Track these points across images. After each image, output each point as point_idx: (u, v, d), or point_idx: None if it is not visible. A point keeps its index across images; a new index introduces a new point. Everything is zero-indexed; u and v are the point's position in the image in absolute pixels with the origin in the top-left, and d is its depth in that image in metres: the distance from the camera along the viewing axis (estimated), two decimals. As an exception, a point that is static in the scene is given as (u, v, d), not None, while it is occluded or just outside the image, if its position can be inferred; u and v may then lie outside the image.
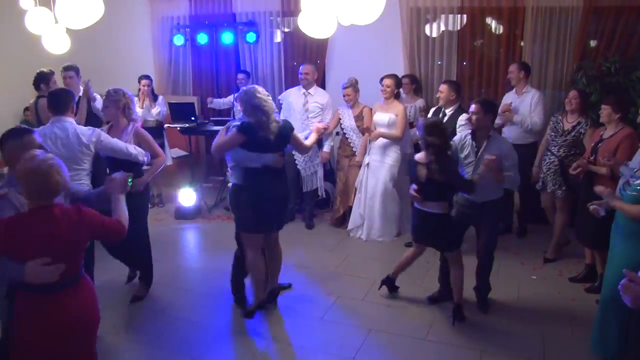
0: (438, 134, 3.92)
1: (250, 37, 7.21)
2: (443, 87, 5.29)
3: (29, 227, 2.42)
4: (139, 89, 6.97)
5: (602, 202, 3.58)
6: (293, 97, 6.24)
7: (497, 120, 5.67)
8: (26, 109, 8.35)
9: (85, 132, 3.95)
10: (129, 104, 4.31)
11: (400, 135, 5.59)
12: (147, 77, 7.01)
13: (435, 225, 4.12)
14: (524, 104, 5.58)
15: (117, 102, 4.25)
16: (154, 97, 7.15)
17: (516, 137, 5.54)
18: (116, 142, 4.04)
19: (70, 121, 3.96)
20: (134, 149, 4.10)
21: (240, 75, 7.09)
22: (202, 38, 7.36)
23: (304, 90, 6.17)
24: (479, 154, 4.04)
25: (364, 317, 4.28)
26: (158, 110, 6.85)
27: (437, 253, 5.29)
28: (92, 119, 5.49)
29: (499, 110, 5.50)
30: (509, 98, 5.77)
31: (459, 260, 4.20)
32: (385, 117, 5.60)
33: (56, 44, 4.75)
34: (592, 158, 4.40)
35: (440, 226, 4.12)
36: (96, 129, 4.08)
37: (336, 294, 4.64)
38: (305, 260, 5.33)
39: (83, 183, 3.87)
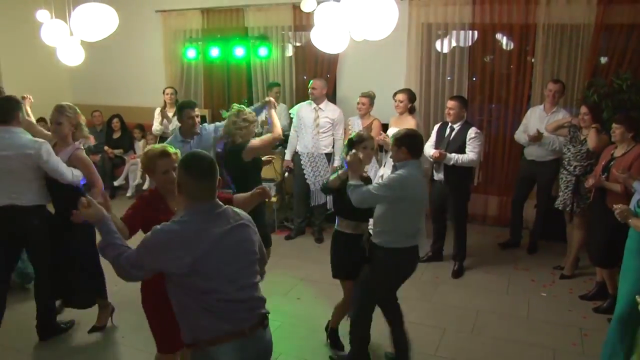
0: None
1: (262, 51, 7.25)
2: (453, 104, 5.23)
3: None
4: (164, 100, 7.32)
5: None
6: (304, 111, 6.24)
7: (522, 138, 5.65)
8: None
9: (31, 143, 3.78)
10: (81, 124, 4.05)
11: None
12: (170, 87, 7.37)
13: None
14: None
15: (71, 119, 3.97)
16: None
17: (538, 154, 5.56)
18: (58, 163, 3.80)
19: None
20: (71, 175, 3.82)
21: (276, 89, 7.05)
22: (214, 51, 7.41)
23: (314, 105, 6.18)
24: None
25: (373, 331, 4.23)
26: (174, 126, 7.08)
27: (446, 267, 5.44)
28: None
29: (530, 137, 5.45)
30: (535, 113, 5.69)
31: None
32: (398, 131, 5.60)
33: (71, 56, 4.81)
34: (604, 177, 4.38)
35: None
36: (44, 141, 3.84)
37: (345, 309, 4.63)
38: (314, 274, 5.30)
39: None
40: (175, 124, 7.14)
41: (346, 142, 3.83)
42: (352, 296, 3.74)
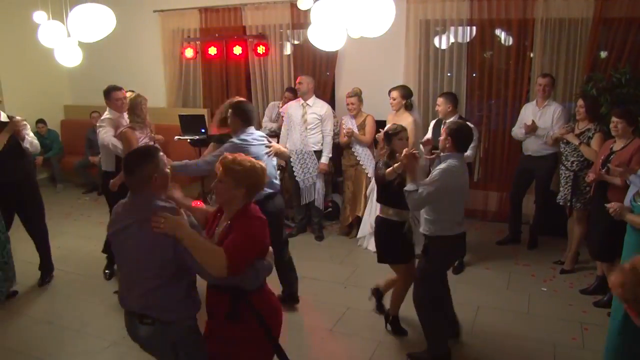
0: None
1: (260, 49, 7.24)
2: (440, 101, 5.33)
3: None
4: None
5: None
6: (293, 109, 6.25)
7: (518, 133, 5.67)
8: (39, 121, 8.46)
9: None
10: (135, 113, 4.86)
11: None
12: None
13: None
14: (545, 117, 5.51)
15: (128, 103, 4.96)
16: None
17: (535, 149, 5.57)
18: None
19: None
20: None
21: (287, 94, 6.98)
22: (212, 50, 7.40)
23: (302, 102, 6.19)
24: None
25: (374, 328, 4.26)
26: None
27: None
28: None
29: (523, 127, 5.50)
30: (528, 109, 5.72)
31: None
32: (395, 128, 5.59)
33: (68, 57, 4.79)
34: (603, 171, 4.38)
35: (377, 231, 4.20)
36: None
37: (346, 306, 4.63)
38: (315, 271, 5.32)
39: None
40: None
41: (381, 135, 4.10)
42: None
